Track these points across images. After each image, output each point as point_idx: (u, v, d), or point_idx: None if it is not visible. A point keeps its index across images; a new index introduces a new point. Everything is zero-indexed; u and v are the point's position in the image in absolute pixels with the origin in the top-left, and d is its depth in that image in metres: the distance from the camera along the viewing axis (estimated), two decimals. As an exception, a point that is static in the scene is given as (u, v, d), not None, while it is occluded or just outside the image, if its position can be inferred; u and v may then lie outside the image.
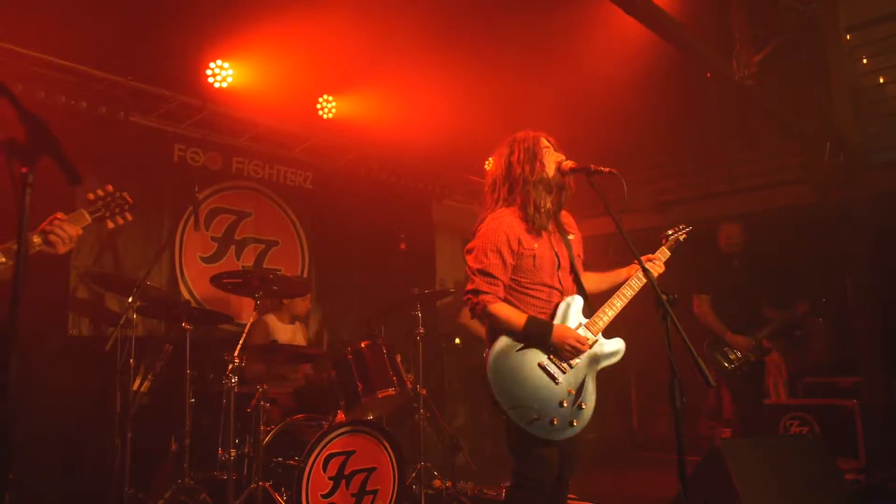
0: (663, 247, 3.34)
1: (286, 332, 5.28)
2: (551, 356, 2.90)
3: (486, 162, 7.18)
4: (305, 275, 6.26)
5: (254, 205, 6.02)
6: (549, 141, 3.16)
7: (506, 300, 2.96)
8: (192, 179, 5.37)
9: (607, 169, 3.01)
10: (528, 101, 6.08)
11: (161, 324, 5.15)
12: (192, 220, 5.35)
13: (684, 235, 3.42)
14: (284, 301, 5.30)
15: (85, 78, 4.88)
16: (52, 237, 2.47)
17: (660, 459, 7.16)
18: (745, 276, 5.28)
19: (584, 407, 2.90)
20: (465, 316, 6.25)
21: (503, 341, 2.89)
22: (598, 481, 5.09)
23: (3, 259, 2.41)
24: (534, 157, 3.05)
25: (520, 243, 2.96)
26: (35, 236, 2.45)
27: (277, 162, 6.22)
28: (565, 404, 2.85)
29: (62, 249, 2.52)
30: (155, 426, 4.47)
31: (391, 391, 4.35)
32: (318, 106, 6.01)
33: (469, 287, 2.97)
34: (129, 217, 2.78)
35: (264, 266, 5.95)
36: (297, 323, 5.47)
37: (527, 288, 2.99)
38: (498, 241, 2.94)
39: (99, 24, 4.66)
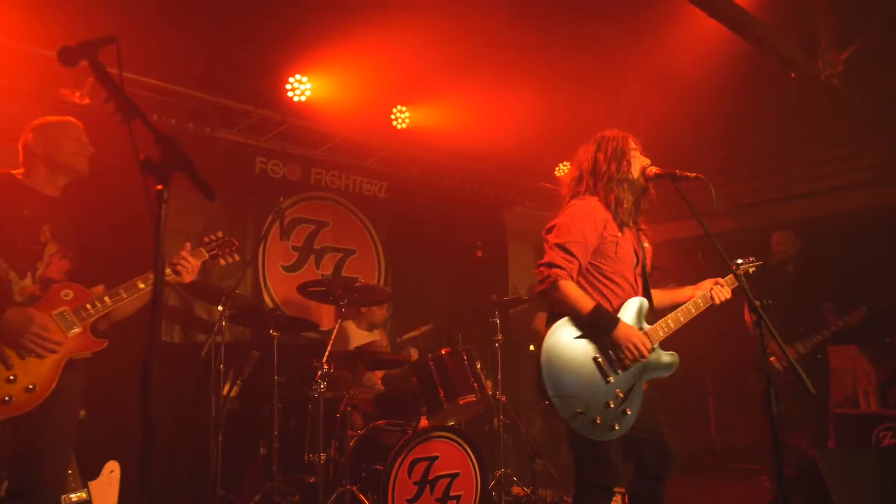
0: (731, 276, 3.31)
1: (364, 339, 5.39)
2: (607, 352, 2.82)
3: (558, 168, 7.27)
4: (382, 282, 6.37)
5: (332, 214, 6.17)
6: (635, 143, 3.15)
7: (578, 283, 2.87)
8: (273, 191, 5.56)
9: (693, 174, 2.98)
10: (601, 106, 6.04)
11: (247, 331, 5.33)
12: (274, 229, 5.52)
13: (753, 268, 3.38)
14: (362, 309, 5.41)
15: (175, 97, 5.10)
16: (179, 267, 2.86)
17: (738, 470, 6.97)
18: (800, 283, 5.17)
19: (628, 413, 2.81)
20: (540, 322, 6.25)
21: (563, 324, 2.80)
22: (678, 493, 4.98)
23: (143, 286, 2.76)
24: (622, 155, 3.04)
25: (605, 227, 2.92)
26: (166, 268, 2.81)
27: (353, 172, 6.36)
28: (612, 405, 2.77)
29: (187, 279, 2.89)
30: (244, 430, 4.62)
31: (472, 398, 4.39)
32: (393, 116, 6.11)
33: (544, 259, 2.87)
34: (237, 257, 3.21)
35: (342, 274, 6.08)
36: (376, 330, 5.57)
37: (602, 274, 2.94)
38: (584, 220, 2.89)
39: (186, 45, 4.87)
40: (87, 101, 4.47)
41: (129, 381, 4.35)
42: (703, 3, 3.78)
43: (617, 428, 2.77)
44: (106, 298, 2.75)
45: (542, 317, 6.27)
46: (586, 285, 2.91)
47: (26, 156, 2.83)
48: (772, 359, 5.12)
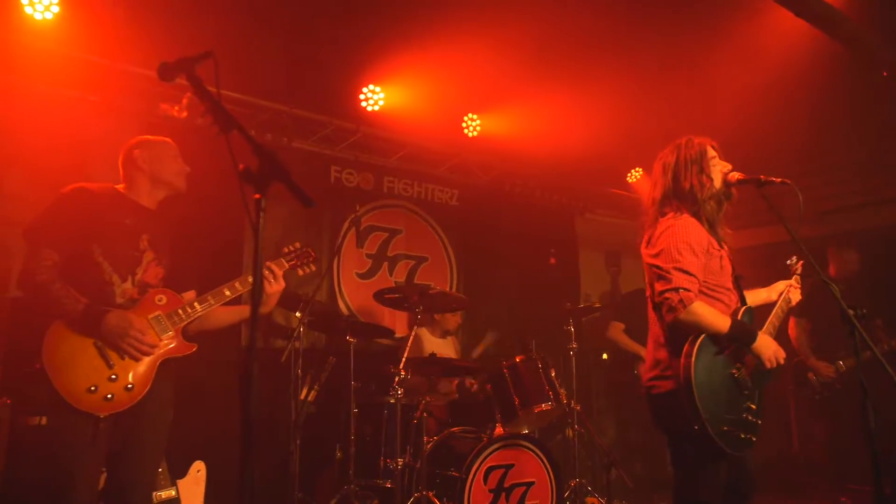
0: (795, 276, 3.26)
1: (438, 346, 5.41)
2: (739, 365, 2.80)
3: (629, 174, 7.16)
4: (454, 289, 6.39)
5: (404, 222, 6.23)
6: (714, 148, 3.06)
7: None
8: (348, 199, 5.66)
9: (779, 179, 2.92)
10: (675, 110, 5.93)
11: (322, 336, 5.43)
12: (349, 237, 5.61)
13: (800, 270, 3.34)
14: (436, 316, 5.44)
15: (253, 108, 5.25)
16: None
17: (820, 486, 6.66)
18: (856, 301, 4.97)
19: (758, 423, 2.81)
20: (614, 331, 6.17)
21: (704, 345, 2.73)
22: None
23: (228, 293, 2.94)
24: (701, 170, 2.96)
25: (709, 243, 2.88)
26: (250, 277, 2.96)
27: (425, 180, 6.41)
28: (750, 418, 2.77)
29: (269, 289, 3.04)
30: (321, 434, 4.70)
31: (547, 406, 4.36)
32: (464, 124, 6.14)
33: (665, 287, 2.78)
34: (314, 267, 3.33)
35: (415, 281, 6.13)
36: (449, 337, 5.59)
37: (714, 290, 2.88)
38: (690, 239, 2.82)
39: (264, 58, 5.02)
40: (185, 114, 4.66)
41: (213, 384, 4.52)
42: (789, 2, 3.67)
43: (753, 439, 2.79)
44: (196, 304, 2.91)
45: (616, 326, 6.19)
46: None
47: (129, 170, 3.00)
48: (809, 374, 5.02)
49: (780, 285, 3.26)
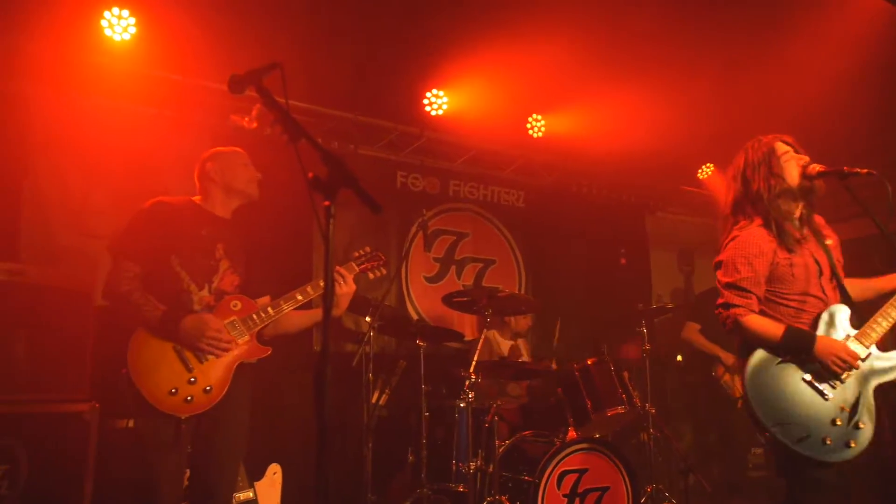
0: None
1: (508, 349, 5.39)
2: (815, 369, 2.70)
3: (700, 171, 6.97)
4: (522, 291, 6.36)
5: (471, 225, 6.24)
6: (787, 143, 2.95)
7: (762, 312, 2.81)
8: (414, 204, 5.70)
9: (864, 170, 2.79)
10: (747, 103, 5.74)
11: (393, 341, 5.47)
12: (417, 241, 5.64)
13: None
14: (506, 318, 5.41)
15: (319, 117, 5.35)
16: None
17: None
18: None
19: (862, 426, 2.65)
20: (689, 331, 6.00)
21: (760, 354, 2.74)
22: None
23: (300, 297, 3.03)
24: (769, 169, 2.89)
25: (774, 253, 2.81)
26: (321, 281, 3.03)
27: (491, 183, 6.40)
28: (839, 422, 2.64)
29: (339, 290, 3.09)
30: (393, 438, 4.74)
31: (620, 409, 4.29)
32: (528, 125, 6.10)
33: (719, 301, 2.87)
34: (384, 271, 3.38)
35: (483, 284, 6.12)
36: (519, 340, 5.56)
37: (785, 298, 2.82)
38: (750, 252, 2.81)
39: (329, 67, 5.10)
40: (255, 125, 4.80)
41: (287, 388, 4.62)
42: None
43: (854, 445, 2.64)
44: (269, 309, 2.98)
45: (691, 327, 6.02)
46: (771, 311, 2.83)
47: (204, 182, 3.11)
48: None
49: None
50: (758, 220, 2.88)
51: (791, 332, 2.72)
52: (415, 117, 5.69)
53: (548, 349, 6.18)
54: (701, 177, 7.05)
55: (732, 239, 2.89)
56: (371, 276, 3.34)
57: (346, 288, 3.10)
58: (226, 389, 2.82)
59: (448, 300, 4.62)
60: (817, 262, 2.85)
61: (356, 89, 5.40)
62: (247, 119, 4.72)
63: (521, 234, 6.49)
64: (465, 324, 5.83)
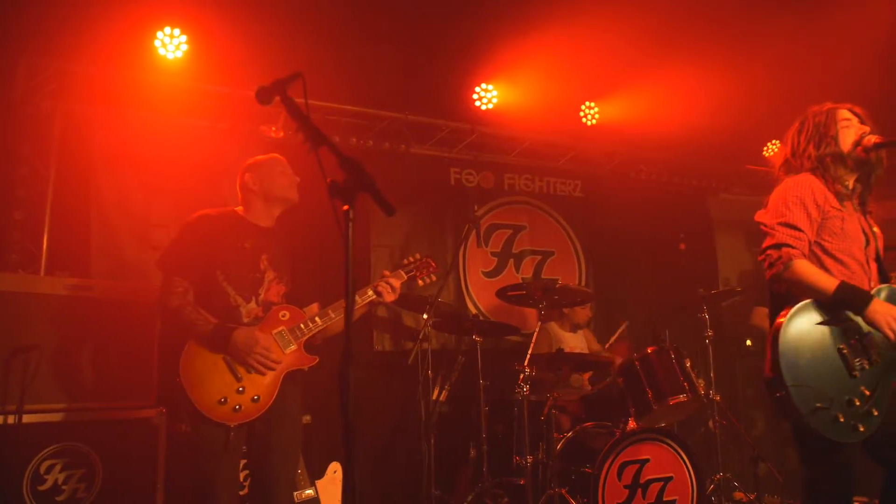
0: None
1: (569, 340, 5.34)
2: (853, 342, 2.55)
3: (766, 148, 6.73)
4: (583, 282, 6.28)
5: (527, 218, 6.20)
6: (854, 112, 2.83)
7: None
8: (469, 199, 5.71)
9: (926, 139, 2.65)
10: (809, 76, 5.50)
11: (452, 337, 5.51)
12: (472, 237, 5.66)
13: None
14: (565, 310, 5.37)
15: (370, 119, 5.43)
16: (380, 289, 3.17)
17: None
18: None
19: (875, 414, 2.50)
20: (758, 316, 5.81)
21: (804, 308, 2.55)
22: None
23: (359, 300, 3.09)
24: (825, 131, 2.77)
25: (826, 199, 2.65)
26: (369, 290, 3.16)
27: (546, 174, 6.35)
28: (857, 403, 2.49)
29: (388, 298, 3.18)
30: (454, 433, 4.78)
31: (683, 398, 4.19)
32: (581, 114, 6.03)
33: (768, 242, 2.64)
34: (434, 278, 3.45)
35: (542, 276, 6.08)
36: (581, 331, 5.50)
37: (831, 253, 2.66)
38: (802, 193, 2.64)
39: (377, 69, 5.17)
40: (281, 134, 4.90)
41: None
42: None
43: (862, 430, 2.49)
44: (317, 318, 3.04)
45: (761, 312, 5.82)
46: (816, 265, 2.65)
47: (244, 194, 3.18)
48: None
49: None
50: (808, 170, 2.75)
51: (845, 285, 2.53)
52: (465, 113, 5.70)
53: (612, 339, 6.11)
54: (767, 154, 6.81)
55: (781, 186, 2.74)
56: (420, 282, 3.39)
57: (393, 296, 3.17)
58: (274, 397, 2.88)
59: (502, 294, 4.62)
60: (864, 233, 2.73)
61: (405, 89, 5.46)
62: (273, 129, 4.83)
63: (579, 225, 6.41)
64: (527, 317, 5.80)
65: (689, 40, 5.18)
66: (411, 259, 3.39)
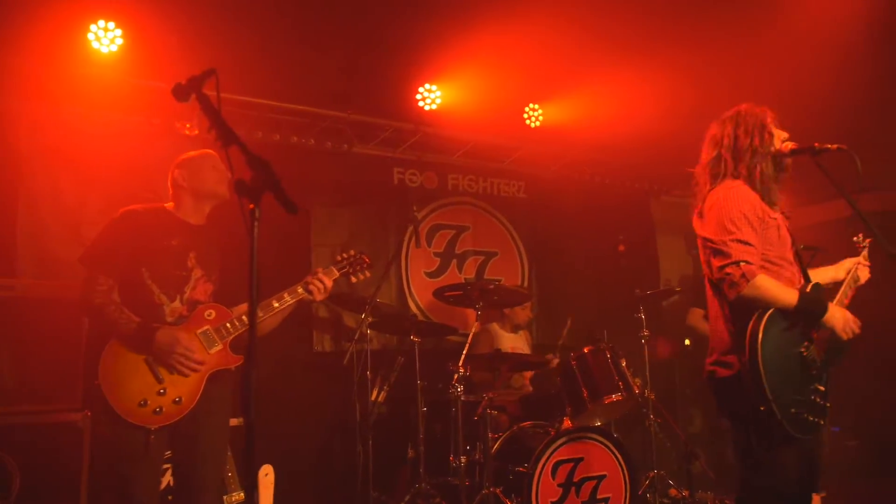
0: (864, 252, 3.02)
1: (509, 341, 5.38)
2: (807, 343, 2.63)
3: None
4: (526, 283, 6.33)
5: (471, 218, 6.23)
6: (774, 117, 2.90)
7: None
8: (412, 199, 5.71)
9: (835, 146, 2.76)
10: (748, 81, 5.63)
11: (394, 338, 5.50)
12: (410, 239, 5.67)
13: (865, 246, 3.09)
14: (506, 311, 5.40)
15: (312, 118, 5.38)
16: (311, 287, 3.10)
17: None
18: None
19: (828, 405, 2.64)
20: (694, 317, 5.93)
21: (772, 321, 2.57)
22: (863, 494, 4.54)
23: (277, 304, 3.02)
24: (763, 127, 2.81)
25: (764, 210, 2.70)
26: (299, 287, 3.09)
27: (490, 175, 6.38)
28: (818, 400, 2.61)
29: (318, 297, 3.12)
30: (393, 434, 4.77)
31: (617, 396, 4.25)
32: (525, 115, 6.07)
33: (724, 261, 2.62)
34: (368, 274, 3.39)
35: (485, 277, 6.11)
36: (521, 331, 5.55)
37: (774, 262, 2.71)
38: (744, 208, 2.65)
39: (319, 68, 5.13)
40: (196, 131, 4.82)
41: (283, 389, 4.65)
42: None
43: (821, 423, 2.64)
44: (244, 318, 2.96)
45: (697, 313, 5.94)
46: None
47: (175, 190, 3.11)
48: None
49: (848, 263, 3.05)
50: (742, 179, 2.76)
51: (807, 295, 2.62)
52: (409, 113, 5.69)
53: (553, 340, 6.16)
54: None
55: (720, 198, 2.73)
56: (353, 279, 3.33)
57: (324, 295, 3.12)
58: (197, 399, 2.82)
59: (440, 294, 4.63)
60: (790, 233, 2.82)
61: (348, 88, 5.42)
62: (188, 126, 4.76)
63: (523, 225, 6.46)
64: (468, 318, 5.83)
65: (633, 43, 5.25)
66: (345, 255, 3.34)
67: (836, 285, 2.96)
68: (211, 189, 3.09)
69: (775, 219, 2.74)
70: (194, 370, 2.82)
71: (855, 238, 3.14)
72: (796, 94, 5.17)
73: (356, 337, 4.32)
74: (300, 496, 4.30)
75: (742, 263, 2.58)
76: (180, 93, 2.11)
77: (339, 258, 3.33)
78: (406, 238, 5.74)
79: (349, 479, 4.52)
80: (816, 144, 2.78)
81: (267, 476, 3.83)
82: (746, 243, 2.61)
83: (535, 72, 5.56)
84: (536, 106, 6.08)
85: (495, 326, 5.46)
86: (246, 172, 1.76)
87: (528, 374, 5.40)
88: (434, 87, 5.64)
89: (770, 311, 2.59)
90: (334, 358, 5.17)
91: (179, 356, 2.77)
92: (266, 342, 4.29)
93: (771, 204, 2.76)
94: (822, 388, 2.65)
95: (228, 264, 3.20)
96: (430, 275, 5.91)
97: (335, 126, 5.49)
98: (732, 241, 2.62)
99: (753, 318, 2.59)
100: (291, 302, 3.06)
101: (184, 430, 2.83)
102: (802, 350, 2.62)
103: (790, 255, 2.78)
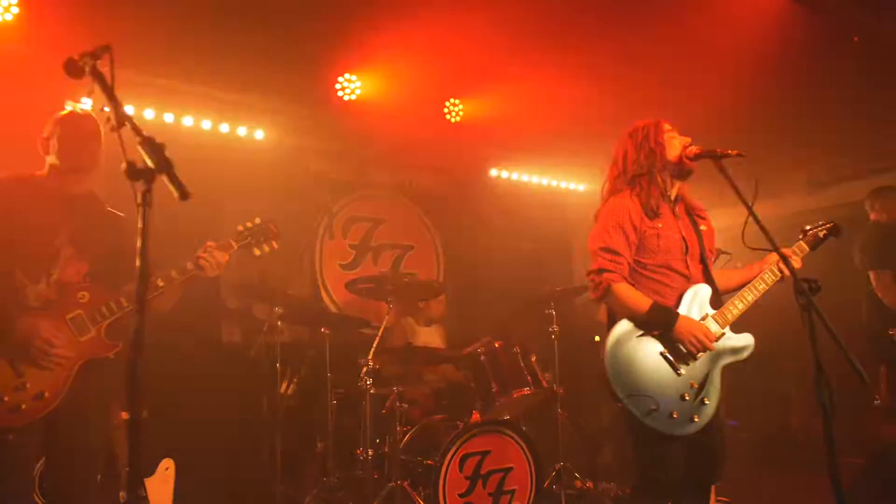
0: (801, 241, 3.10)
1: (423, 335, 5.38)
2: (674, 345, 2.76)
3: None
4: (441, 278, 6.35)
5: (388, 212, 6.20)
6: (671, 126, 3.03)
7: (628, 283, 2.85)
8: (328, 191, 5.63)
9: (735, 152, 2.85)
10: (661, 88, 5.81)
11: (305, 330, 5.42)
12: (324, 230, 5.59)
13: (824, 231, 3.15)
14: (420, 304, 5.40)
15: (227, 102, 5.23)
16: (202, 262, 2.77)
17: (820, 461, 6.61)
18: None
19: (707, 402, 2.74)
20: (603, 315, 6.08)
21: (623, 325, 2.78)
22: (754, 485, 4.77)
23: (161, 284, 2.70)
24: (653, 142, 2.95)
25: (642, 220, 2.85)
26: (189, 263, 2.76)
27: (408, 168, 6.37)
28: (687, 397, 2.71)
29: (211, 273, 2.79)
30: (301, 427, 4.70)
31: (526, 391, 4.32)
32: (446, 110, 6.07)
33: (592, 267, 2.87)
34: (275, 245, 3.01)
35: (401, 270, 6.09)
36: (435, 325, 5.56)
37: (651, 270, 2.87)
38: (620, 218, 2.84)
39: (240, 51, 4.97)
40: (88, 108, 4.59)
41: (184, 381, 4.51)
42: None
43: (697, 420, 2.73)
44: (122, 299, 2.65)
45: (605, 309, 6.10)
46: (637, 283, 2.86)
47: (46, 154, 2.77)
48: None
49: (774, 256, 3.14)
50: (628, 190, 2.93)
51: (656, 307, 2.76)
52: (328, 103, 5.59)
53: (468, 335, 6.20)
54: (618, 159, 7.12)
55: (603, 208, 2.95)
56: (257, 251, 2.96)
57: (217, 271, 2.78)
58: (64, 393, 2.54)
59: (352, 287, 4.58)
60: (685, 241, 2.91)
61: (266, 74, 5.28)
62: (81, 102, 4.55)
63: (439, 220, 6.48)
64: (383, 311, 5.78)
65: (555, 45, 5.33)
66: (248, 225, 2.95)
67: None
68: (87, 159, 2.75)
69: (656, 228, 2.86)
70: (56, 363, 2.52)
71: (810, 226, 3.19)
72: (705, 104, 5.40)
73: (265, 329, 4.22)
74: (204, 491, 4.16)
75: (604, 273, 2.79)
76: (72, 68, 1.99)
77: (240, 228, 2.94)
78: (320, 229, 5.65)
79: (256, 472, 4.43)
80: (718, 150, 2.87)
81: (167, 470, 3.70)
82: (615, 253, 2.81)
83: (457, 67, 5.57)
84: (457, 101, 6.09)
85: (409, 320, 5.45)
86: (137, 154, 1.68)
87: (440, 368, 5.41)
88: (354, 78, 5.56)
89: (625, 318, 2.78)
90: (243, 350, 5.06)
91: (37, 350, 2.48)
92: (173, 332, 4.18)
93: (653, 215, 2.88)
94: (694, 386, 2.74)
95: (114, 242, 2.70)
96: (345, 267, 5.85)
97: (250, 112, 5.35)
98: (601, 249, 2.83)
99: (613, 323, 2.80)
100: (180, 280, 2.73)
101: (55, 428, 2.56)
102: (664, 351, 2.75)
103: (678, 264, 2.89)
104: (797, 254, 3.02)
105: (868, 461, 3.62)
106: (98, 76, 1.93)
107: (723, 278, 3.02)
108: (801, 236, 3.15)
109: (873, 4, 4.34)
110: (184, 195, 1.56)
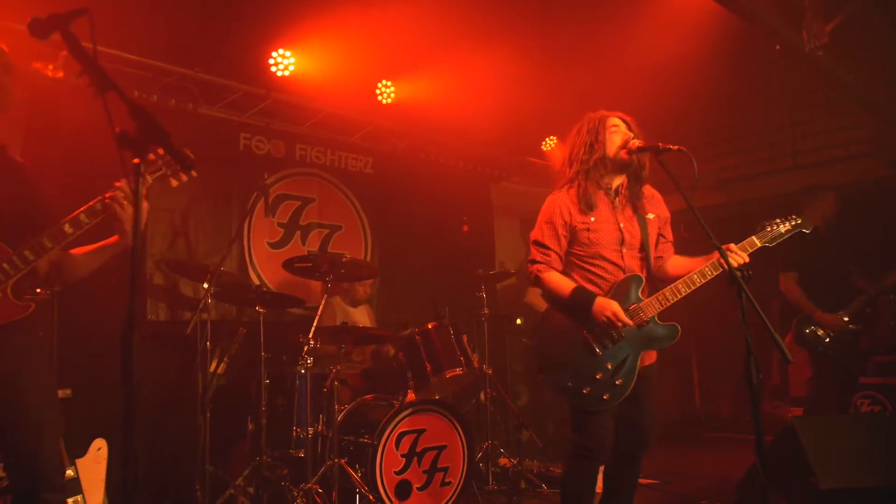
0: (753, 237, 3.18)
1: (352, 315, 5.40)
2: (596, 328, 2.96)
3: (544, 143, 7.24)
4: (369, 258, 6.37)
5: (317, 191, 6.15)
6: (623, 120, 3.16)
7: (565, 272, 3.08)
8: (258, 167, 5.53)
9: (675, 147, 2.99)
10: (588, 81, 6.01)
11: (234, 308, 5.33)
12: (259, 206, 5.50)
13: (787, 227, 3.17)
14: (345, 285, 5.41)
15: (156, 72, 5.03)
16: (109, 200, 2.40)
17: (722, 439, 7.14)
18: (834, 249, 5.06)
19: (619, 384, 2.93)
20: (531, 296, 6.27)
21: (554, 310, 3.07)
22: (659, 460, 5.06)
23: (70, 230, 2.40)
24: (595, 137, 3.11)
25: (571, 216, 3.06)
26: (96, 203, 2.42)
27: (339, 148, 6.32)
28: (600, 377, 2.92)
29: (123, 215, 2.41)
30: (232, 406, 4.64)
31: (459, 371, 4.40)
32: (378, 91, 6.05)
33: (529, 258, 3.16)
34: (194, 174, 2.48)
35: (329, 250, 6.07)
36: (362, 306, 5.58)
37: (583, 261, 3.08)
38: (551, 214, 3.09)
39: (168, 20, 4.80)
40: (61, 74, 4.37)
41: (115, 358, 4.36)
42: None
43: (607, 398, 2.92)
44: (26, 252, 2.35)
45: (535, 292, 6.29)
46: (573, 273, 3.09)
47: None
48: (814, 329, 4.95)
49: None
50: (567, 185, 3.13)
51: (578, 290, 2.98)
52: (260, 78, 5.48)
53: (395, 316, 6.27)
54: (545, 149, 7.34)
55: (545, 202, 3.16)
56: (174, 182, 2.54)
57: (128, 210, 2.40)
58: None
59: (289, 265, 4.55)
60: (622, 233, 3.07)
61: (197, 44, 5.11)
62: (51, 67, 4.33)
63: (368, 201, 6.48)
64: (311, 290, 5.76)
65: (488, 31, 5.41)
66: (160, 153, 2.51)
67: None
68: None
69: (587, 223, 3.05)
70: None
71: (768, 223, 3.30)
72: (635, 98, 5.63)
73: (201, 306, 4.13)
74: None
75: (535, 263, 3.09)
76: (39, 29, 1.90)
77: (151, 157, 2.50)
78: (250, 205, 5.55)
79: (186, 452, 4.34)
80: (660, 144, 3.03)
81: (100, 450, 3.58)
82: (545, 246, 3.08)
83: (391, 49, 5.57)
84: (389, 83, 6.09)
85: (338, 300, 5.45)
86: (127, 123, 1.65)
87: (370, 348, 5.45)
88: (288, 54, 5.46)
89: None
90: (170, 327, 4.92)
91: None
92: (98, 309, 4.04)
93: (589, 206, 3.05)
94: (609, 367, 2.93)
95: (32, 198, 2.51)
96: (273, 245, 5.78)
97: (181, 83, 5.17)
98: (533, 242, 3.13)
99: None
100: (90, 224, 2.41)
101: None
102: (586, 332, 2.96)
103: (612, 255, 3.06)
104: (747, 249, 3.09)
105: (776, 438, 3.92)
106: (72, 41, 1.86)
107: (680, 266, 3.18)
108: (757, 230, 3.21)
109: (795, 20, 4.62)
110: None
